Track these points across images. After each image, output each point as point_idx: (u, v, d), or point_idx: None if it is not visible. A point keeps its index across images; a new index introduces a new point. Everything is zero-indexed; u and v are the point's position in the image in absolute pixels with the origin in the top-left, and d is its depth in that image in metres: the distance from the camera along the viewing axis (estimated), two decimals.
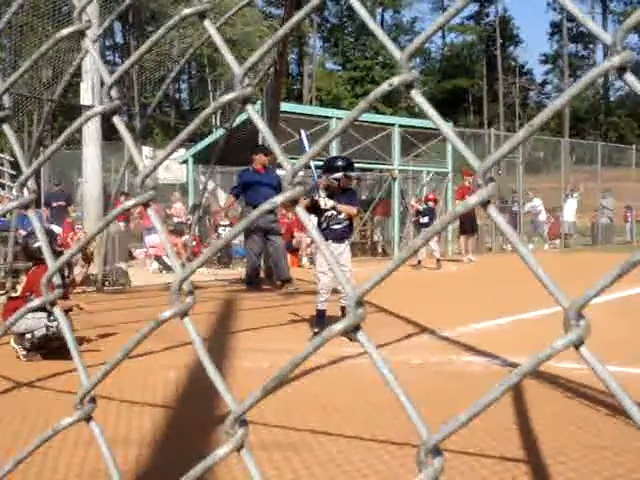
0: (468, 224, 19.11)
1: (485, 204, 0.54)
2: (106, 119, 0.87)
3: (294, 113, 17.83)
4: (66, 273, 7.01)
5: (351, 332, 0.61)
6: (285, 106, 16.81)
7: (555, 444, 3.99)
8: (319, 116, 18.16)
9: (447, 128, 0.59)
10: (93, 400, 0.77)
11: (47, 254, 0.82)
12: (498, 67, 67.93)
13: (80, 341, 6.89)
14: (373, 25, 0.64)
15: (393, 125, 20.49)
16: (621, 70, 0.53)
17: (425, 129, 20.44)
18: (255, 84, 14.54)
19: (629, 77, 0.53)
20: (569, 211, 26.09)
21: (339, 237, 7.38)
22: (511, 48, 74.73)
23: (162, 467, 3.73)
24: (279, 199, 0.64)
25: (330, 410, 4.75)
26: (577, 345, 0.50)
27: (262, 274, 13.09)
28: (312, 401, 5.01)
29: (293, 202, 0.64)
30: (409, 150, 21.49)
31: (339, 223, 7.41)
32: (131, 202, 0.73)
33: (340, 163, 7.60)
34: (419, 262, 16.83)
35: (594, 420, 4.49)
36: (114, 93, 0.74)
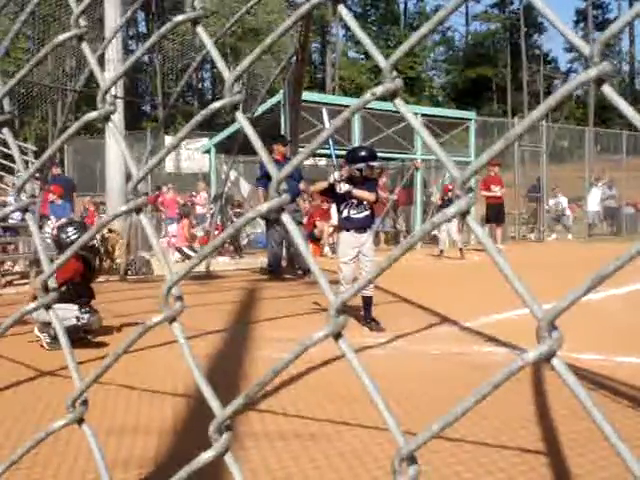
0: (493, 214, 19.05)
1: (464, 214, 0.55)
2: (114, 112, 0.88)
3: (317, 102, 17.81)
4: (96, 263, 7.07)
5: (334, 339, 0.61)
6: (307, 95, 16.80)
7: (575, 436, 3.98)
8: (342, 105, 18.10)
9: (429, 136, 0.59)
10: (85, 403, 0.78)
11: (43, 258, 0.83)
12: (522, 55, 67.43)
13: (105, 331, 6.96)
14: (359, 31, 0.64)
15: (416, 114, 20.37)
16: (599, 82, 0.53)
17: (448, 118, 20.35)
18: (277, 74, 14.54)
19: (606, 89, 0.53)
20: (593, 200, 25.91)
21: (360, 226, 7.37)
22: (535, 36, 74.11)
23: (181, 456, 3.76)
24: (264, 207, 0.64)
25: (349, 400, 4.76)
26: (548, 357, 0.51)
27: (284, 263, 13.13)
28: (331, 391, 5.03)
29: (279, 210, 0.65)
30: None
31: (360, 212, 7.39)
32: (122, 208, 0.74)
33: (363, 153, 7.59)
34: (441, 252, 16.80)
35: (614, 412, 4.47)
36: (109, 97, 0.75)
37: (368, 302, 7.40)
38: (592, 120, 54.54)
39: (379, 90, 0.60)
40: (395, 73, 0.59)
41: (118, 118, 12.66)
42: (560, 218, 25.12)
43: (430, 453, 3.52)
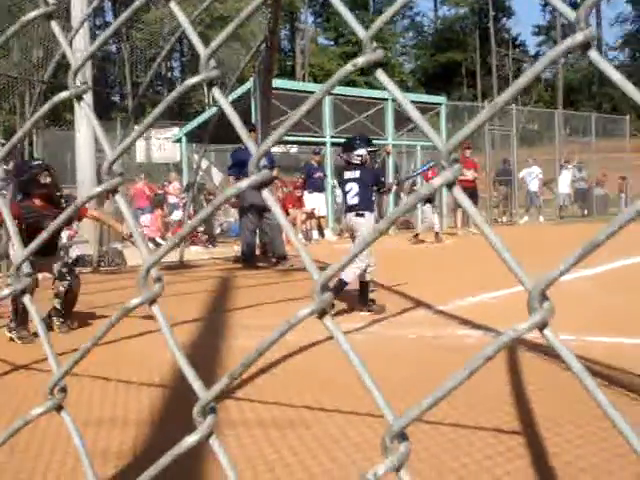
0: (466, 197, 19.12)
1: (450, 186, 0.54)
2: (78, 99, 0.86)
3: (287, 90, 17.77)
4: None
5: (318, 317, 0.60)
6: (278, 83, 16.75)
7: (551, 415, 4.01)
8: (312, 92, 18.02)
9: (412, 108, 0.58)
10: (63, 390, 0.77)
11: (15, 239, 0.81)
12: (491, 39, 67.65)
13: (80, 322, 6.92)
14: (338, 3, 0.63)
15: (386, 100, 20.42)
16: (585, 47, 0.52)
17: (418, 103, 20.38)
18: (247, 61, 14.47)
19: (593, 54, 0.52)
20: (564, 183, 26.10)
21: (356, 210, 7.46)
22: (504, 20, 74.41)
23: (159, 447, 3.74)
24: (244, 184, 0.63)
25: (327, 386, 4.76)
26: (541, 328, 0.50)
27: (257, 251, 13.10)
28: (309, 378, 5.03)
29: (260, 185, 0.63)
30: (403, 124, 21.42)
31: (354, 197, 7.51)
32: (98, 189, 0.72)
33: (360, 141, 7.78)
34: (416, 235, 16.83)
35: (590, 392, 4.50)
36: (80, 77, 0.73)
37: (365, 287, 7.51)
38: (561, 103, 54.86)
39: (360, 61, 0.58)
40: (375, 44, 0.58)
41: (90, 99, 12.55)
42: (532, 197, 25.16)
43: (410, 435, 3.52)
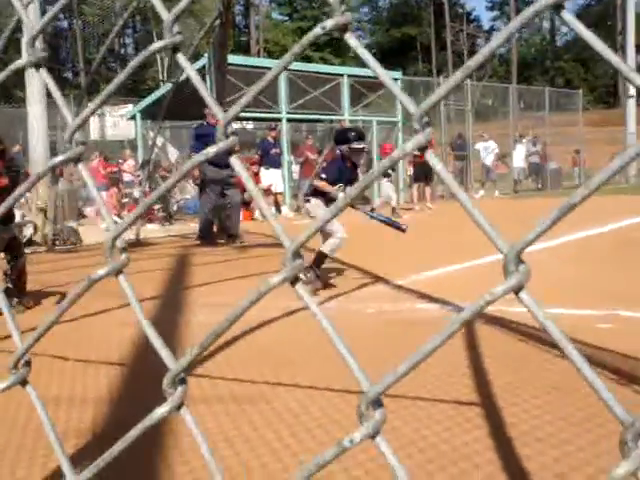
0: (421, 172, 19.16)
1: (423, 149, 0.53)
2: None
3: (242, 65, 17.64)
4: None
5: (290, 284, 0.60)
6: (233, 59, 16.60)
7: (508, 387, 4.06)
8: (267, 68, 17.92)
9: (383, 72, 0.58)
10: (28, 364, 0.75)
11: None
12: (445, 14, 67.72)
13: (36, 301, 6.84)
14: None
15: (342, 75, 20.37)
16: (557, 8, 0.51)
17: (374, 78, 20.37)
18: (201, 37, 14.33)
19: (566, 15, 0.52)
20: (518, 157, 26.33)
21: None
22: None
23: (119, 425, 3.72)
24: (211, 151, 0.62)
25: (286, 362, 4.77)
26: (517, 291, 0.50)
27: (215, 229, 13.05)
28: (268, 354, 5.03)
29: (227, 153, 0.62)
30: (358, 100, 21.41)
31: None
32: (59, 158, 0.70)
33: (354, 134, 7.82)
34: (372, 210, 16.82)
35: (545, 362, 4.57)
36: (38, 45, 0.71)
37: (321, 258, 7.46)
38: (515, 78, 55.20)
39: (329, 24, 0.57)
40: (345, 7, 0.57)
41: (39, 85, 12.34)
42: (488, 170, 25.29)
43: None
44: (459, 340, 5.09)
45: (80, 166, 0.73)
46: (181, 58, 0.66)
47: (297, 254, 0.58)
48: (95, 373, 4.71)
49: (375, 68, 0.59)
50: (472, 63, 0.51)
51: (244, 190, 17.63)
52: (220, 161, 11.49)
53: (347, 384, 4.15)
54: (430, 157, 0.55)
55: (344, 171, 7.64)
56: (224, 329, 0.63)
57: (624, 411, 0.43)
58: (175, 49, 0.65)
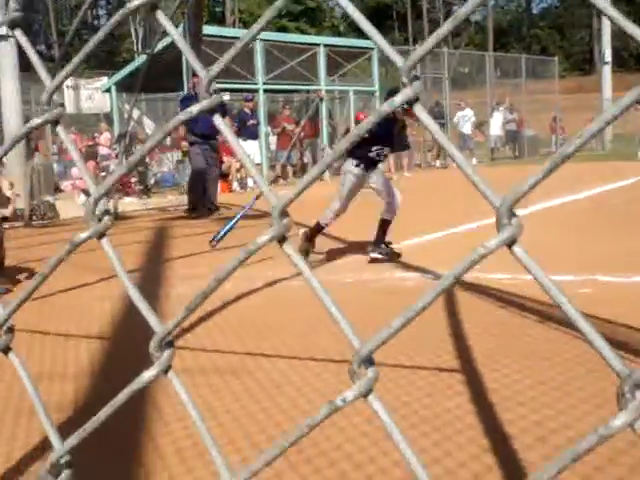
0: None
1: (411, 103, 0.52)
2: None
3: (217, 36, 17.47)
4: None
5: (278, 243, 0.59)
6: (208, 29, 16.44)
7: (488, 353, 4.08)
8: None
9: (367, 24, 0.56)
10: (11, 330, 0.74)
11: None
12: None
13: (12, 277, 6.79)
14: None
15: (318, 45, 20.25)
16: None
17: (350, 48, 20.30)
18: (176, 7, 14.17)
19: None
20: (495, 125, 26.36)
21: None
22: None
23: (101, 398, 3.71)
24: (195, 109, 0.61)
25: (267, 332, 4.77)
26: (509, 244, 0.49)
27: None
28: (249, 324, 5.03)
29: (211, 111, 0.61)
30: (335, 70, 21.31)
31: None
32: (38, 120, 0.68)
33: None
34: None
35: (525, 328, 4.60)
36: (12, 4, 0.69)
37: (319, 230, 7.38)
38: (492, 45, 55.11)
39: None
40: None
41: (11, 58, 12.18)
42: (465, 139, 25.27)
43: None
44: (439, 307, 5.11)
45: (59, 129, 0.71)
46: (160, 15, 0.65)
47: (284, 213, 0.57)
48: (76, 347, 4.69)
49: (359, 20, 0.58)
50: (462, 11, 0.50)
51: (221, 161, 17.57)
52: (208, 133, 11.47)
53: (329, 354, 4.16)
54: (418, 111, 0.54)
55: (391, 133, 7.25)
56: (212, 289, 0.62)
57: (621, 363, 0.43)
58: (154, 7, 0.64)
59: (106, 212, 0.65)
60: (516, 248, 0.49)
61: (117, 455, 3.02)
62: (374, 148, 7.16)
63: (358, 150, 6.93)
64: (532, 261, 0.48)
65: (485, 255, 0.50)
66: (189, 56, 0.65)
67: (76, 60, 0.70)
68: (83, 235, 0.67)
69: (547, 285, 0.47)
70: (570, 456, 0.43)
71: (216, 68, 0.61)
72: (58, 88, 0.69)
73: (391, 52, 0.55)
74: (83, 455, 3.00)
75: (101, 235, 0.67)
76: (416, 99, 0.53)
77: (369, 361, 0.55)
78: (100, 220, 0.66)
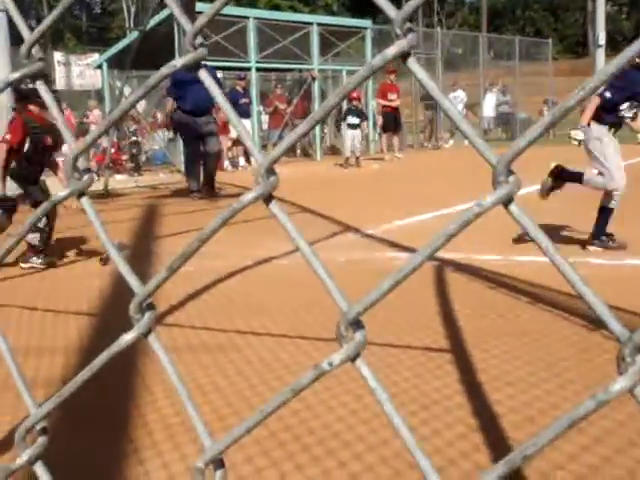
0: (391, 121, 19.05)
1: (405, 56, 0.50)
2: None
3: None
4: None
5: (264, 202, 0.56)
6: (200, 6, 16.32)
7: (477, 333, 4.09)
8: (235, 16, 17.63)
9: None
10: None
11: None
12: None
13: None
14: None
15: (311, 24, 20.12)
16: None
17: (344, 27, 20.21)
18: None
19: None
20: (488, 106, 26.33)
21: None
22: None
23: None
24: (179, 62, 0.59)
25: (257, 311, 4.76)
26: (506, 202, 0.47)
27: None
28: (239, 302, 5.02)
29: (196, 65, 0.59)
30: (328, 49, 21.20)
31: None
32: (17, 73, 0.66)
33: None
34: (346, 160, 16.76)
35: (514, 308, 4.61)
36: None
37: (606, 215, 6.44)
38: (485, 26, 54.87)
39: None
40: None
41: (3, 31, 12.05)
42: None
43: None
44: (428, 287, 5.11)
45: (38, 84, 0.69)
46: None
47: (271, 170, 0.55)
48: (64, 323, 4.68)
49: None
50: None
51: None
52: (196, 109, 11.25)
53: (318, 332, 4.16)
54: (412, 65, 0.52)
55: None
56: (194, 250, 0.60)
57: (620, 326, 0.41)
58: None
59: (87, 170, 0.63)
60: (512, 207, 0.47)
61: (107, 432, 3.02)
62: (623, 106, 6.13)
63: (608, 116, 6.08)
64: (528, 219, 0.47)
65: (480, 214, 0.48)
66: (174, 9, 0.63)
67: (60, 8, 0.67)
68: (62, 193, 0.64)
69: (545, 244, 0.45)
70: (567, 422, 0.42)
71: (200, 21, 0.58)
72: (38, 40, 0.66)
73: (384, 3, 0.53)
74: (74, 432, 2.99)
75: (81, 194, 0.64)
76: (409, 52, 0.51)
77: (357, 324, 0.53)
78: (80, 179, 0.64)
